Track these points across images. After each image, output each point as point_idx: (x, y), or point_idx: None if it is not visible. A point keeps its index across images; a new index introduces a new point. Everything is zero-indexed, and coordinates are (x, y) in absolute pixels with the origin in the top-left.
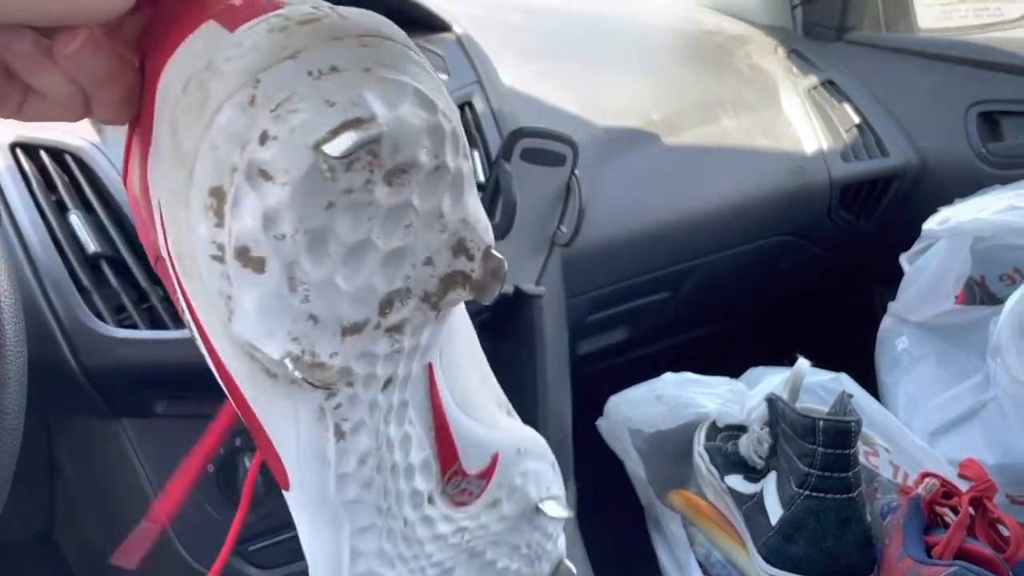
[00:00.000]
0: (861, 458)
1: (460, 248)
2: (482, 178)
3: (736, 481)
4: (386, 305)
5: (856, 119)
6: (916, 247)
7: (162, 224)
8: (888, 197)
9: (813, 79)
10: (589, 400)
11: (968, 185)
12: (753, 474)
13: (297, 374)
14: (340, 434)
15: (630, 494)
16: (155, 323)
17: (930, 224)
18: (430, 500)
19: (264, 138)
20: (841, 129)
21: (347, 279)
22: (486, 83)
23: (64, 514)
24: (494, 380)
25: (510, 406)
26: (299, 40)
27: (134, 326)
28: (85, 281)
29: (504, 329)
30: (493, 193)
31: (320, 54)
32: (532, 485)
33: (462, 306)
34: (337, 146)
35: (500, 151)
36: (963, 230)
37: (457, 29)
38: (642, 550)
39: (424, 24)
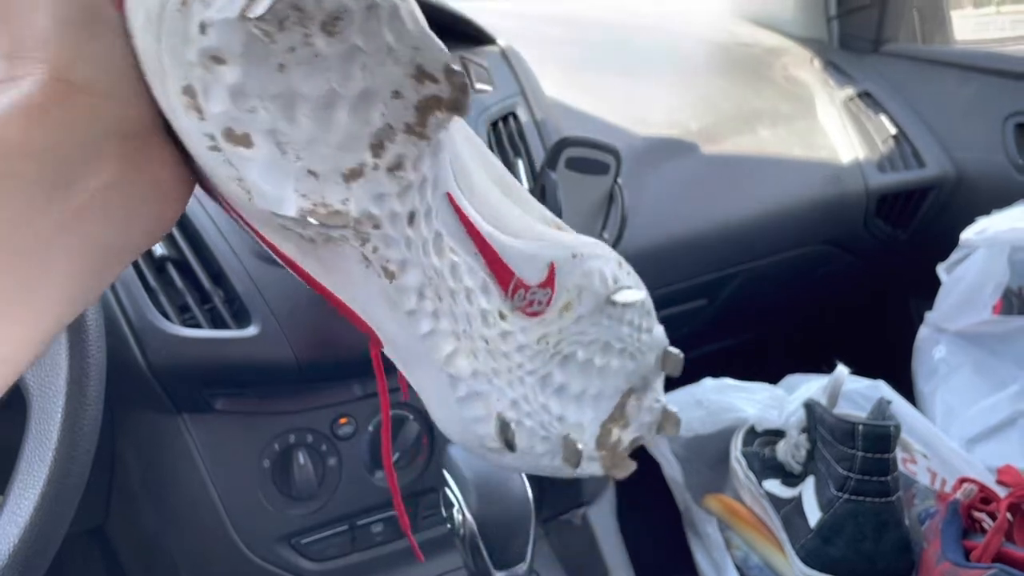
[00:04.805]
0: (899, 464)
1: (421, 74)
2: (527, 186)
3: (773, 485)
4: (376, 147)
5: (892, 130)
6: (953, 257)
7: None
8: (924, 207)
9: (849, 90)
10: None
11: (1005, 196)
12: (791, 479)
13: (315, 223)
14: (390, 275)
15: (668, 497)
16: (217, 323)
17: (968, 234)
18: (502, 316)
19: (203, 28)
20: (877, 140)
21: (326, 130)
22: (529, 95)
23: (120, 508)
24: (533, 202)
25: (560, 222)
26: None
27: (197, 325)
28: (152, 282)
29: None
30: (539, 200)
31: None
32: (598, 282)
33: (464, 136)
34: (258, 7)
35: (545, 160)
36: (1001, 240)
37: (501, 42)
38: (680, 553)
39: (469, 37)
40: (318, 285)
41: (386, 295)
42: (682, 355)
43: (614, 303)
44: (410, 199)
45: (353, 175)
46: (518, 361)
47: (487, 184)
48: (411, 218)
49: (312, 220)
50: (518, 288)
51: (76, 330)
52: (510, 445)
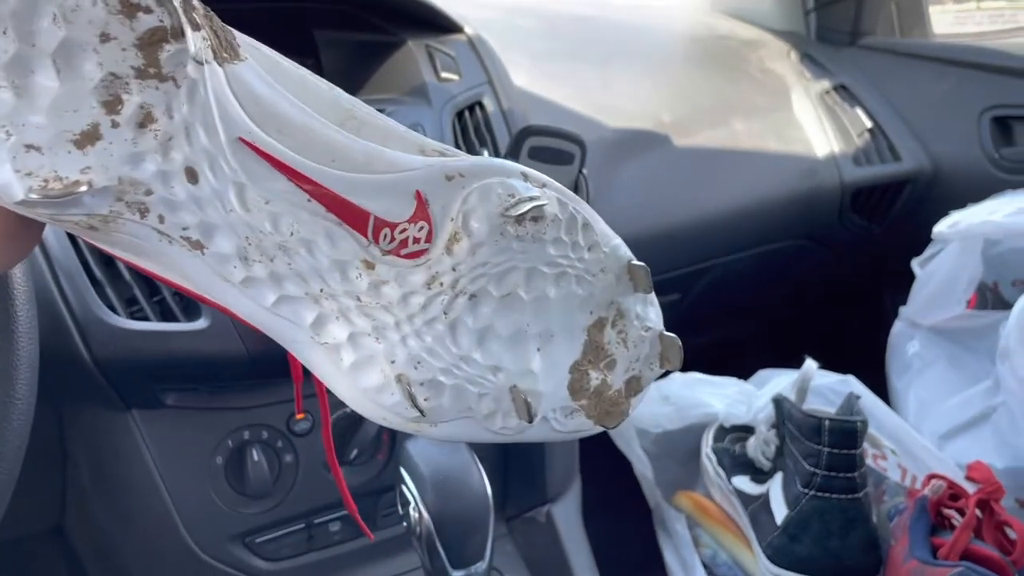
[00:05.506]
0: (869, 461)
1: (128, 6)
2: None
3: (743, 482)
4: (109, 103)
5: (868, 123)
6: (928, 252)
7: None
8: (900, 202)
9: (825, 83)
10: None
11: (981, 190)
12: (760, 475)
13: (47, 199)
14: (196, 245)
15: (636, 494)
16: (165, 316)
17: (940, 227)
18: (368, 265)
19: None
20: (853, 133)
21: (30, 97)
22: (497, 84)
23: (75, 506)
24: (410, 135)
25: (450, 148)
26: None
27: (145, 318)
28: (98, 274)
29: None
30: None
31: None
32: (491, 201)
33: (263, 71)
34: None
35: (508, 148)
36: (973, 233)
37: (469, 31)
38: (648, 550)
39: (436, 25)
40: (159, 278)
41: (210, 270)
42: (647, 266)
43: (518, 220)
44: (178, 153)
45: (88, 139)
46: (407, 313)
47: (310, 120)
48: (190, 174)
49: (37, 196)
50: (381, 228)
51: (5, 320)
52: (421, 410)
